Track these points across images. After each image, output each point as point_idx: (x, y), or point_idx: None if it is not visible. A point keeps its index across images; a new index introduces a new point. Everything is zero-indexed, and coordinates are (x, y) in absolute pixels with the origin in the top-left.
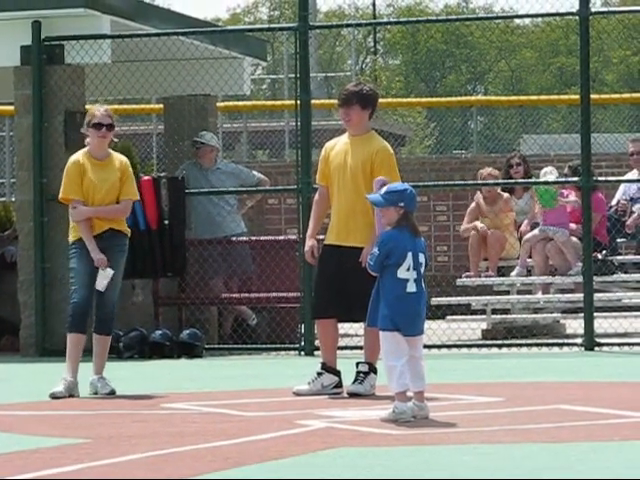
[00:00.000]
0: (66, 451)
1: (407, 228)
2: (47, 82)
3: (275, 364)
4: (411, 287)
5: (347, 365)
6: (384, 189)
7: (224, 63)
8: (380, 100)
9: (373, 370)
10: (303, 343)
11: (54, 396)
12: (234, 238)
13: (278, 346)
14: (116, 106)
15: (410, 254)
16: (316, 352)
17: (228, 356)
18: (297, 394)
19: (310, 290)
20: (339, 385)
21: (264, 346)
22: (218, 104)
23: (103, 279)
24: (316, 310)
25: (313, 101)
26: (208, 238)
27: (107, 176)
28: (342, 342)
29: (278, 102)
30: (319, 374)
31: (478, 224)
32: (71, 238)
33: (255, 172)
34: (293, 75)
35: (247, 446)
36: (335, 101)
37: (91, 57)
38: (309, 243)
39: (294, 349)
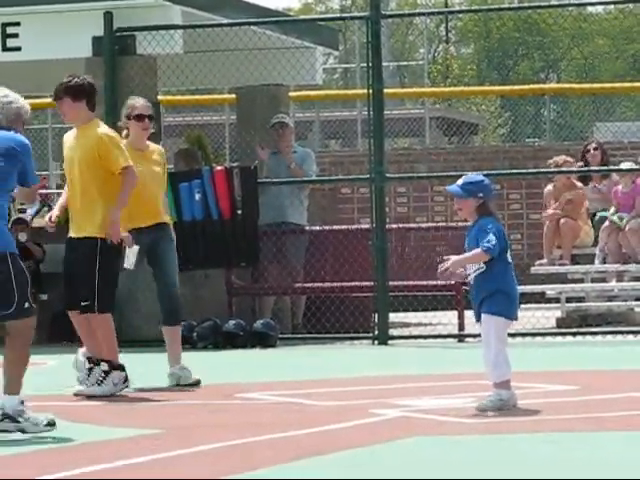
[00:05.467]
0: (140, 442)
1: (493, 216)
2: (119, 73)
3: (349, 353)
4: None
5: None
6: (461, 180)
7: (296, 53)
8: (452, 89)
9: (116, 367)
10: (377, 332)
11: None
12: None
13: (352, 335)
14: (188, 96)
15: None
16: (390, 341)
17: (302, 346)
18: (77, 395)
19: (384, 279)
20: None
21: (338, 335)
22: (290, 94)
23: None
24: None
25: (385, 90)
26: (268, 223)
27: (150, 167)
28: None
29: (350, 91)
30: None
31: (550, 211)
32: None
33: (314, 170)
34: (365, 64)
35: (322, 436)
36: (408, 90)
37: (163, 48)
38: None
39: (368, 338)
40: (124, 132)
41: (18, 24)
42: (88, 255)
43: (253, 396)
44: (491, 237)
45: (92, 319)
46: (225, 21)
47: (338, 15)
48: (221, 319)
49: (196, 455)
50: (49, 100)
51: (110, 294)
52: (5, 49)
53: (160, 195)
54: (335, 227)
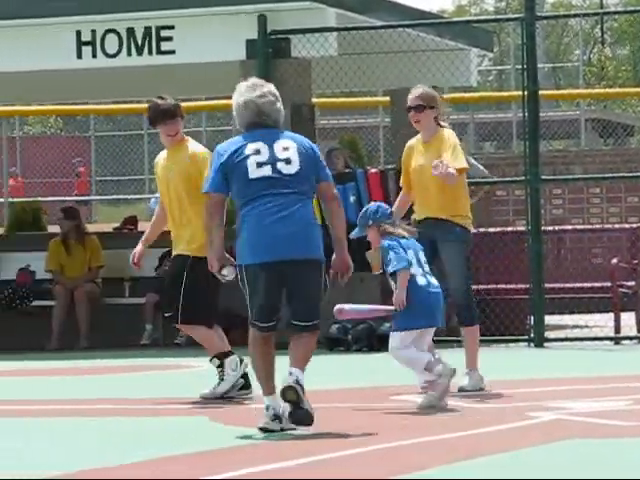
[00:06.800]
0: (287, 445)
1: (395, 237)
2: (273, 75)
3: (504, 356)
4: (420, 280)
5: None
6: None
7: (450, 55)
8: (608, 90)
9: (225, 355)
10: (532, 334)
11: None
12: None
13: (507, 337)
14: (342, 99)
15: (411, 252)
16: (546, 344)
17: (457, 348)
18: (203, 397)
19: (540, 281)
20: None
21: (493, 338)
22: (445, 96)
23: None
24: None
25: (540, 92)
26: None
27: (431, 159)
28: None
29: (505, 93)
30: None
31: None
32: None
33: (483, 168)
34: (520, 66)
35: (477, 438)
36: (563, 92)
37: (317, 50)
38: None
39: (523, 340)
40: None
41: (172, 27)
42: (177, 271)
43: (408, 398)
44: (390, 255)
45: (188, 329)
46: (379, 23)
47: (493, 17)
48: (376, 322)
49: (346, 458)
50: (204, 103)
51: (193, 307)
52: (159, 52)
53: (440, 190)
54: (490, 229)
